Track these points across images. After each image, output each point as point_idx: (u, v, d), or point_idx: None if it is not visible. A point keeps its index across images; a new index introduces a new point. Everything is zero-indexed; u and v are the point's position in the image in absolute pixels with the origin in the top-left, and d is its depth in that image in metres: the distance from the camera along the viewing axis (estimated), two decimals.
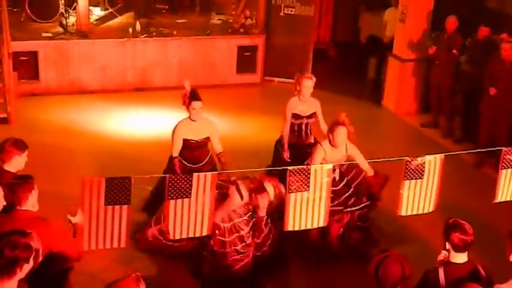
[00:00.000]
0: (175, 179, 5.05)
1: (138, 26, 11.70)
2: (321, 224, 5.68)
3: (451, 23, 10.06)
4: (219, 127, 10.30)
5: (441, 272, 4.52)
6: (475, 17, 11.48)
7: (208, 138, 6.95)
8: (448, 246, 4.56)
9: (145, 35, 11.67)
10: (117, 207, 4.87)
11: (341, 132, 6.76)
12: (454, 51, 9.92)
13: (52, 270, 4.58)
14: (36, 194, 4.77)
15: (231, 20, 12.73)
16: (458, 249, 4.52)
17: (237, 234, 6.23)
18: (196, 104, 6.85)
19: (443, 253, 4.69)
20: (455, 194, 7.88)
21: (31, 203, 4.73)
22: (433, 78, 10.47)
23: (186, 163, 6.88)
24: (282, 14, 12.45)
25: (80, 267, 6.24)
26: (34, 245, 4.03)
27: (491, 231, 7.00)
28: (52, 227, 4.68)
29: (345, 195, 6.93)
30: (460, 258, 4.55)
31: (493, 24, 10.05)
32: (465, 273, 4.51)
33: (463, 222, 4.58)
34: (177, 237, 5.29)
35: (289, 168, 5.52)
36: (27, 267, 3.86)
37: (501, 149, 5.71)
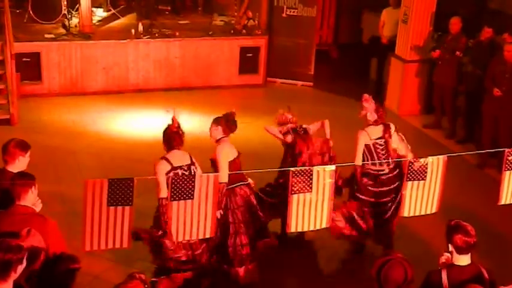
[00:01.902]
0: (178, 180, 5.05)
1: (140, 27, 11.71)
2: (324, 226, 5.68)
3: (455, 24, 10.06)
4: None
5: (444, 274, 4.50)
6: (476, 17, 11.49)
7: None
8: (451, 248, 4.54)
9: (147, 36, 11.68)
10: (119, 208, 4.88)
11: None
12: (458, 52, 9.93)
13: (58, 270, 4.58)
14: (35, 192, 4.79)
15: (233, 21, 12.74)
16: (461, 251, 4.50)
17: None
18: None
19: (446, 255, 4.68)
20: (457, 195, 7.88)
21: (30, 199, 4.76)
22: (436, 79, 10.46)
23: None
24: (284, 15, 12.45)
25: (82, 268, 6.26)
26: (30, 243, 4.04)
27: (494, 233, 7.00)
28: (49, 225, 4.70)
29: None
30: (463, 260, 4.53)
31: (495, 25, 10.04)
32: (468, 275, 4.49)
33: (465, 223, 4.55)
34: (180, 239, 5.28)
35: (292, 169, 5.51)
36: (21, 268, 3.87)
37: (504, 150, 5.69)
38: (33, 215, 4.72)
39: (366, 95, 7.00)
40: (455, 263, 4.54)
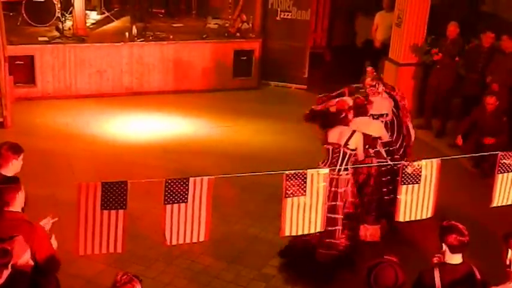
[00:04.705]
0: (172, 183, 5.04)
1: (134, 30, 11.70)
2: (318, 229, 5.67)
3: (453, 30, 10.10)
4: (215, 131, 10.37)
5: (436, 273, 4.52)
6: (470, 20, 11.51)
7: None
8: (444, 247, 4.56)
9: (141, 39, 11.66)
10: (113, 211, 4.86)
11: None
12: (457, 58, 9.98)
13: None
14: (22, 195, 4.76)
15: (227, 24, 12.74)
16: (455, 250, 4.53)
17: None
18: None
19: (438, 256, 4.69)
20: (450, 197, 7.88)
21: (18, 204, 4.71)
22: (432, 82, 10.49)
23: None
24: (278, 18, 12.46)
25: (75, 271, 6.25)
26: (13, 250, 4.01)
27: (487, 234, 7.01)
28: (36, 231, 4.67)
29: None
30: (456, 259, 4.56)
31: (488, 28, 10.07)
32: (460, 274, 4.52)
33: (457, 223, 4.60)
34: (174, 243, 5.26)
35: (286, 172, 5.51)
36: (6, 273, 3.84)
37: (497, 153, 5.71)
38: (22, 222, 4.66)
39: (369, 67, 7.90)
40: (448, 262, 4.56)
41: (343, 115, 6.78)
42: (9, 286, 3.96)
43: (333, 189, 6.68)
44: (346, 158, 6.71)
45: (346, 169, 6.75)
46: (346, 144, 6.67)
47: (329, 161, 6.77)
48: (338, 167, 6.72)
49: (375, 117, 7.44)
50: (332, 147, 6.75)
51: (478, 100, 9.57)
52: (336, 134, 6.73)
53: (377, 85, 7.36)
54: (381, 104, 7.50)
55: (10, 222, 4.58)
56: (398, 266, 4.22)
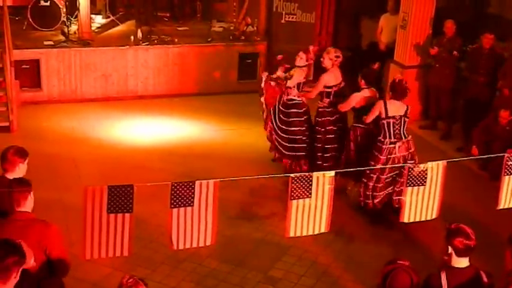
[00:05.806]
0: (178, 187, 5.05)
1: (139, 34, 11.73)
2: (323, 230, 5.68)
3: (449, 26, 10.12)
4: (220, 134, 10.38)
5: (443, 277, 4.50)
6: (475, 22, 11.50)
7: None
8: (450, 250, 4.55)
9: (146, 43, 11.69)
10: (119, 215, 4.86)
11: None
12: (455, 52, 9.96)
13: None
14: (32, 197, 4.78)
15: (232, 28, 12.76)
16: (461, 253, 4.50)
17: None
18: None
19: (445, 259, 4.68)
20: (457, 200, 7.88)
21: (29, 205, 4.74)
22: (432, 81, 10.48)
23: None
24: (283, 21, 12.48)
25: (81, 275, 6.26)
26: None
27: (493, 236, 6.99)
28: (51, 229, 4.70)
29: None
30: (462, 262, 4.54)
31: (494, 30, 10.05)
32: (467, 277, 4.50)
33: (465, 226, 4.57)
34: (181, 247, 5.27)
35: (291, 175, 5.51)
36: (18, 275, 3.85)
37: (503, 155, 5.69)
38: (34, 221, 4.71)
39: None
40: (454, 265, 4.54)
41: (408, 91, 7.47)
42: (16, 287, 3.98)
43: (401, 154, 7.42)
44: (405, 125, 7.48)
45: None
46: (406, 113, 7.43)
47: (391, 133, 7.40)
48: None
49: (335, 87, 8.30)
50: (393, 120, 7.37)
51: (483, 104, 9.52)
52: (394, 108, 7.40)
53: (340, 56, 8.13)
54: (339, 73, 8.39)
55: (21, 222, 4.61)
56: (412, 270, 4.23)
